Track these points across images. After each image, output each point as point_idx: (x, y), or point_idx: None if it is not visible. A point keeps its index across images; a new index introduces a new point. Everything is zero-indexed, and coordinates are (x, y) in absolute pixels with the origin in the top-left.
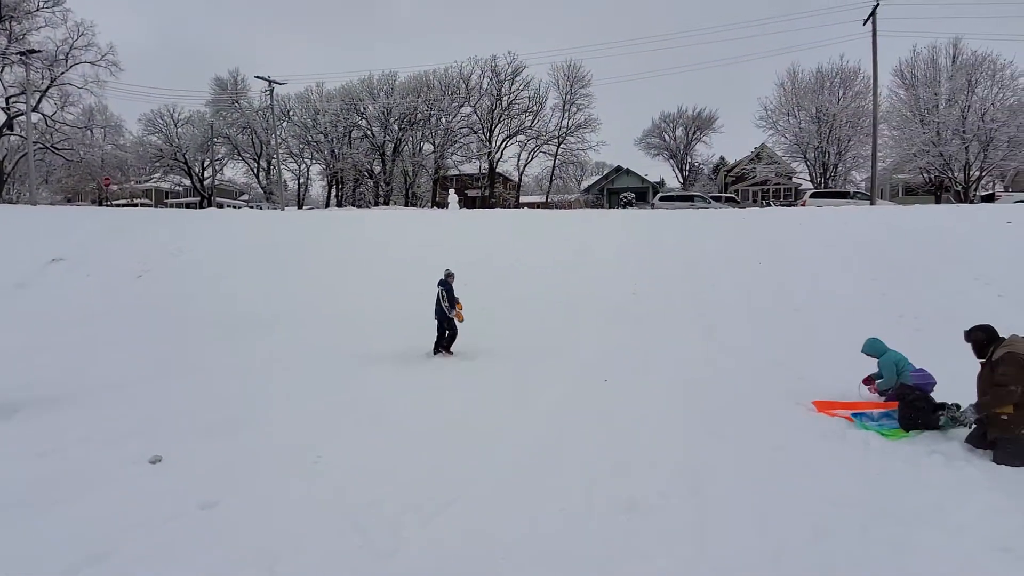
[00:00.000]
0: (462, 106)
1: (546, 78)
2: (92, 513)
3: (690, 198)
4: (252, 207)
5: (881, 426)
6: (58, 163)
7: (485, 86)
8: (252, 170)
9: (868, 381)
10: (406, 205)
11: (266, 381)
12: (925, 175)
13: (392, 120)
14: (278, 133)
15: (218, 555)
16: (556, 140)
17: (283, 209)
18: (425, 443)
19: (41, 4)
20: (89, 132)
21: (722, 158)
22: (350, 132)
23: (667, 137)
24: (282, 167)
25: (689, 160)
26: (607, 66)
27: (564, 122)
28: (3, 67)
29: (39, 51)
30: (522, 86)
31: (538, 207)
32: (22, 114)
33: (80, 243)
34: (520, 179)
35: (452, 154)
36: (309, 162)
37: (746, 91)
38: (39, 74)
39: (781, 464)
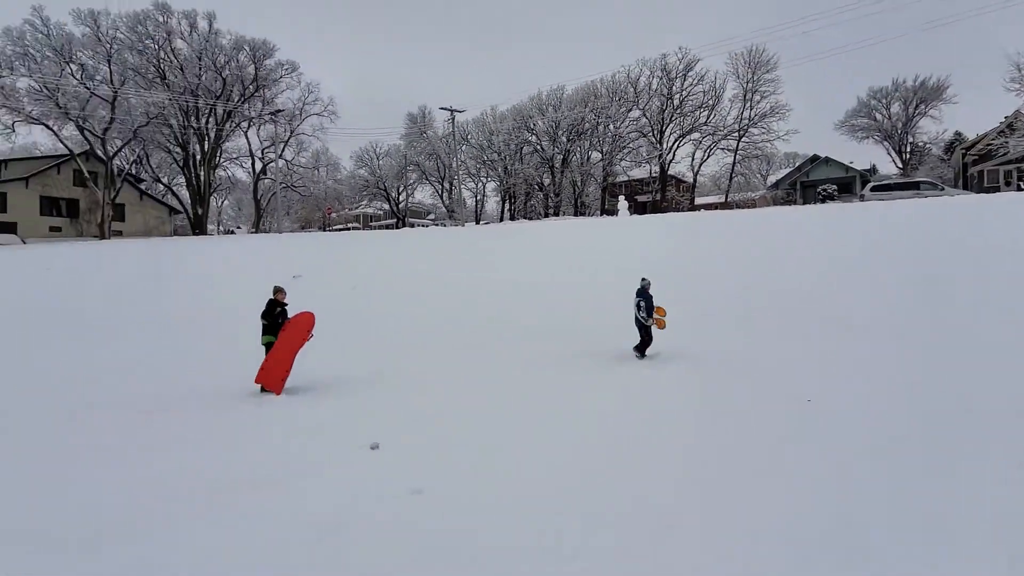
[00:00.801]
0: (630, 110)
1: (723, 69)
2: (327, 490)
3: (914, 185)
4: (438, 224)
5: None
6: (295, 198)
7: (655, 86)
8: (437, 191)
9: None
10: (575, 215)
11: (461, 381)
12: None
13: (560, 132)
14: (458, 156)
15: (429, 536)
16: (736, 134)
17: (463, 225)
18: (612, 451)
19: (284, 72)
20: (316, 171)
21: (958, 134)
22: (521, 148)
23: (879, 116)
24: (462, 186)
25: (910, 140)
26: (798, 44)
27: (745, 113)
28: (260, 126)
29: (283, 110)
30: (695, 81)
31: (716, 208)
32: (272, 161)
33: (312, 262)
34: (695, 179)
35: (620, 160)
36: (485, 180)
37: (989, 50)
38: (283, 128)
39: None
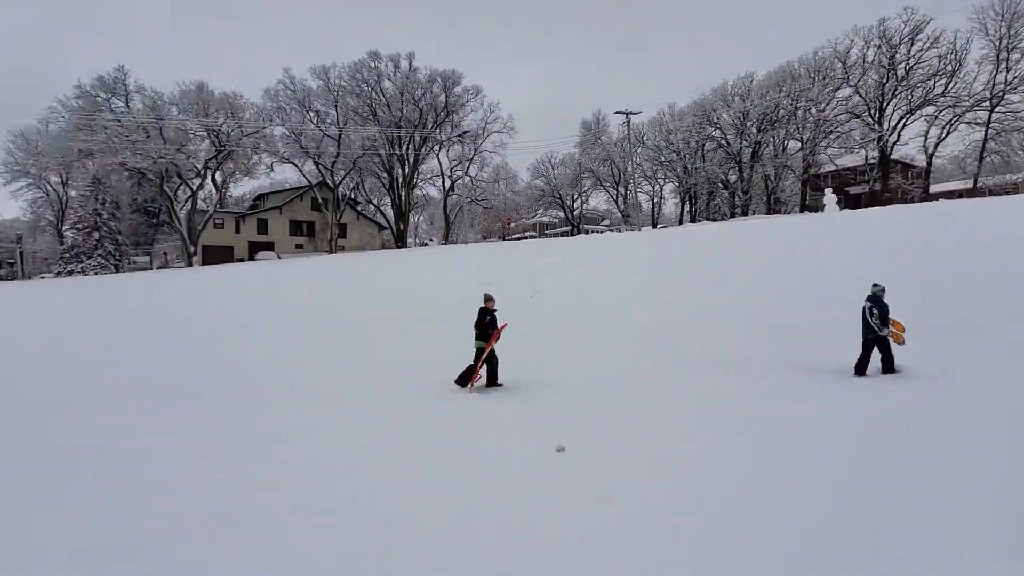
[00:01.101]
0: (838, 89)
1: (964, 26)
2: (517, 488)
3: None
4: (612, 230)
5: None
6: (478, 211)
7: (870, 58)
8: (612, 197)
9: None
10: (768, 213)
11: (645, 386)
12: None
13: (749, 123)
14: (634, 159)
15: (623, 545)
16: (987, 104)
17: (639, 229)
18: (807, 469)
19: (469, 97)
20: (497, 184)
21: None
22: (703, 145)
23: None
24: (637, 190)
25: None
26: None
27: (1000, 76)
28: (449, 147)
29: (468, 131)
30: (927, 44)
31: (961, 196)
32: (459, 178)
33: (495, 270)
34: (929, 163)
35: (826, 147)
36: (662, 182)
37: None
38: (468, 148)
39: None
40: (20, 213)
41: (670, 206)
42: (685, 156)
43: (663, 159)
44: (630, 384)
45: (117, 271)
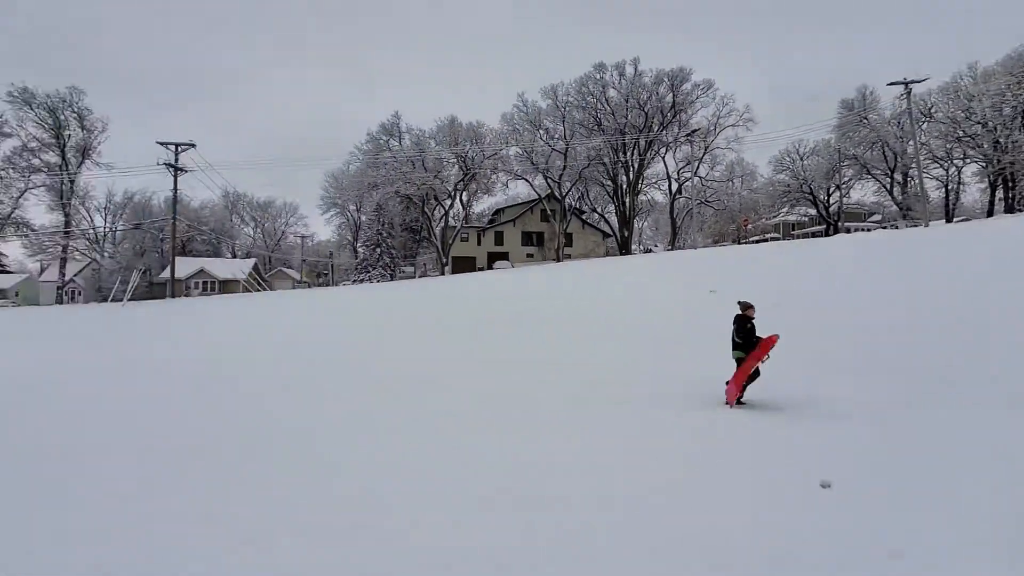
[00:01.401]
0: None
1: None
2: (773, 527)
3: None
4: (885, 227)
5: None
6: (708, 213)
7: None
8: (884, 187)
9: None
10: None
11: (935, 413)
12: None
13: None
14: (917, 138)
15: None
16: None
17: (926, 225)
18: None
19: (699, 93)
20: (730, 183)
21: None
22: None
23: None
24: (923, 176)
25: None
26: None
27: None
28: (676, 148)
29: (698, 130)
30: None
31: None
32: (687, 180)
33: (729, 278)
34: None
35: None
36: (960, 163)
37: None
38: (697, 146)
39: None
40: (330, 235)
41: (972, 193)
42: (996, 128)
43: (961, 134)
44: (915, 407)
45: (392, 279)
